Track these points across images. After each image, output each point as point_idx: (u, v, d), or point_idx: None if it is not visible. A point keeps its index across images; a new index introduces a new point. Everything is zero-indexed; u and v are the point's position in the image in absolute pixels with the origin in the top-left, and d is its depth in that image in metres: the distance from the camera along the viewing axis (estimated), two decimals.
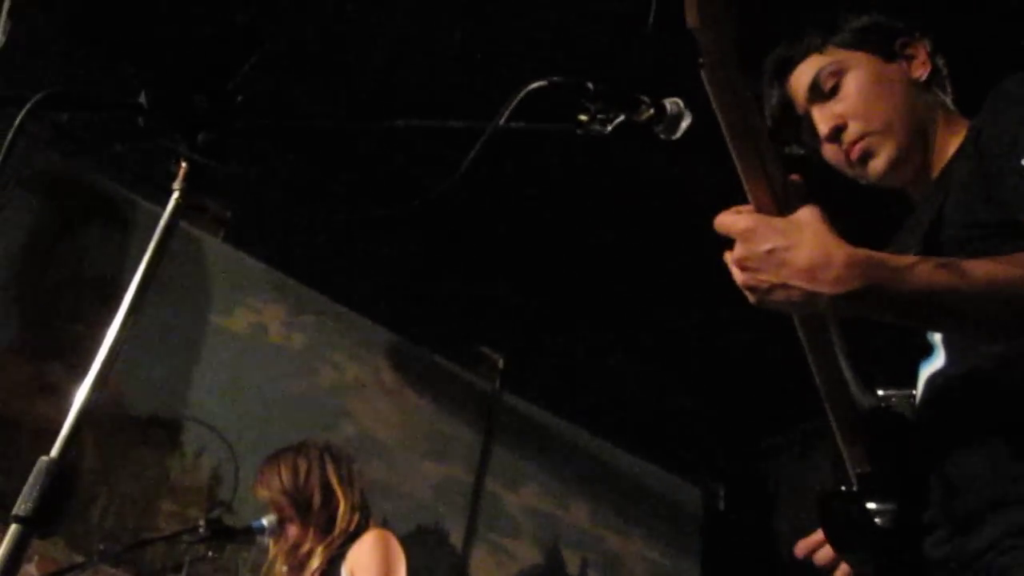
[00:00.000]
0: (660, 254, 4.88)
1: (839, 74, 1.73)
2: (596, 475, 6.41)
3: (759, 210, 1.31)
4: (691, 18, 1.13)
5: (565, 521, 6.13)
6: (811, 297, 1.24)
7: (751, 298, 1.32)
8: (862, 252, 1.25)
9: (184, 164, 1.25)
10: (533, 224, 4.87)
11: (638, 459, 6.64)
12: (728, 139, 1.24)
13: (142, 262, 1.10)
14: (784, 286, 1.25)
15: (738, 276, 1.31)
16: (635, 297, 5.37)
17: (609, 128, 1.49)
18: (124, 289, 1.31)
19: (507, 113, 1.37)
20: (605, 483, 6.45)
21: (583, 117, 1.47)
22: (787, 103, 1.79)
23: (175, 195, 1.21)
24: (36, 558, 3.99)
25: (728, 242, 1.30)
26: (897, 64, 1.76)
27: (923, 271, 1.23)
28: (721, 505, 6.89)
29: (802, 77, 1.77)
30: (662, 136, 1.53)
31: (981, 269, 1.22)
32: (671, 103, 1.51)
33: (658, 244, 4.78)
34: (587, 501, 6.28)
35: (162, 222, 1.14)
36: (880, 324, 1.36)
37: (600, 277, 5.20)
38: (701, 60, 1.17)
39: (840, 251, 1.24)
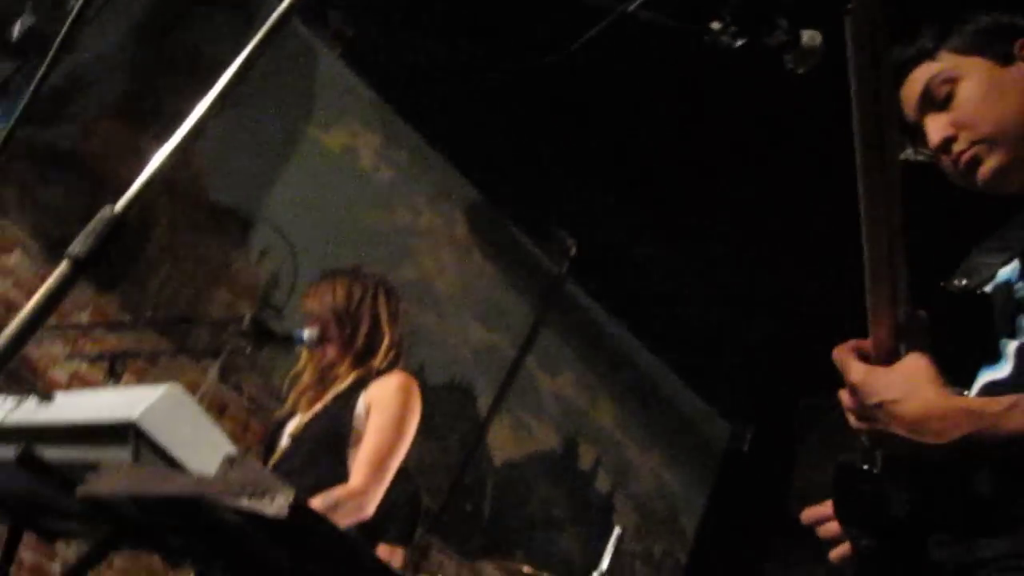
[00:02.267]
0: (760, 194, 4.78)
1: (952, 82, 1.64)
2: (633, 383, 6.45)
3: (875, 343, 1.38)
4: None
5: (591, 417, 6.21)
6: (916, 447, 1.32)
7: (864, 441, 1.41)
8: (962, 403, 1.31)
9: None
10: (641, 124, 4.78)
11: (679, 380, 6.66)
12: (855, 114, 1.19)
13: (246, 46, 1.10)
14: (891, 435, 1.34)
15: (851, 420, 1.41)
16: (722, 229, 5.29)
17: (738, 43, 1.45)
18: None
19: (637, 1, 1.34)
20: (640, 393, 6.49)
21: (715, 25, 1.43)
22: (899, 111, 1.72)
23: None
24: (91, 307, 4.14)
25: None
26: (1016, 67, 1.66)
27: (1019, 413, 1.27)
28: (745, 447, 6.91)
29: (914, 85, 1.68)
30: (789, 66, 1.48)
31: None
32: (808, 34, 1.46)
33: (760, 181, 4.68)
34: (617, 405, 6.34)
35: (273, 15, 1.14)
36: (943, 323, 1.38)
37: (694, 197, 5.12)
38: (849, 5, 1.13)
39: (941, 405, 1.30)
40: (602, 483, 6.26)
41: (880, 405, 1.34)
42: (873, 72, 1.17)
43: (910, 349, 1.36)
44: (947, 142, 1.64)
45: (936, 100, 1.66)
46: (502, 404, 5.65)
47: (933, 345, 1.37)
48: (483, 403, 5.61)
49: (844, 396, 1.41)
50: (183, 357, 4.27)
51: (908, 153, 1.76)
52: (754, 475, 6.59)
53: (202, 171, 4.53)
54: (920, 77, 1.67)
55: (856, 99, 1.19)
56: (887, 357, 1.38)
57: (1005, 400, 1.30)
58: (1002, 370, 1.45)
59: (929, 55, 1.67)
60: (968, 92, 1.64)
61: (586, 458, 6.18)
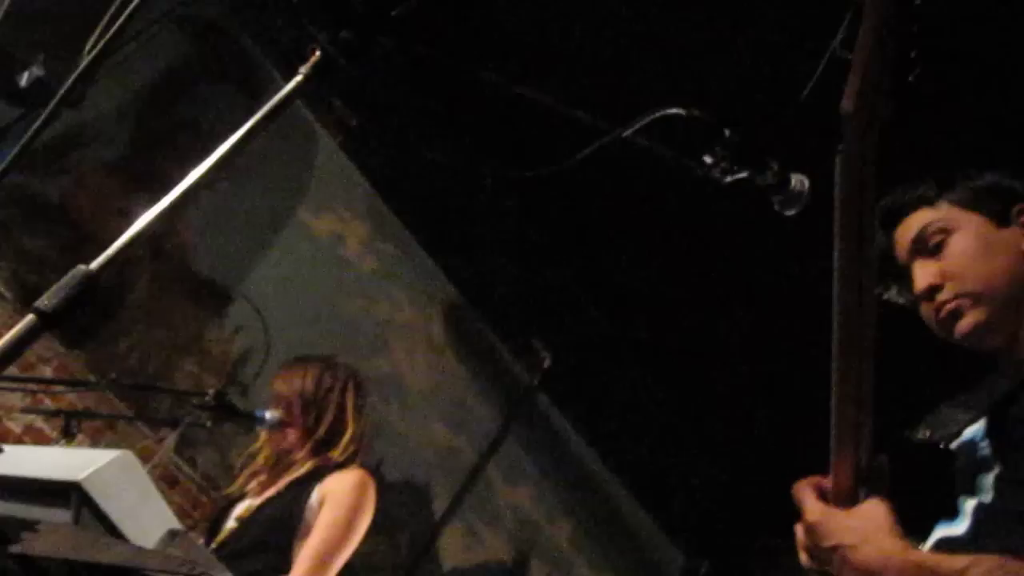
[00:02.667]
0: (736, 329, 4.82)
1: (946, 232, 1.68)
2: (591, 503, 6.38)
3: (835, 483, 1.39)
4: (847, 101, 1.11)
5: (546, 532, 6.12)
6: None
7: None
8: (917, 558, 1.31)
9: (317, 52, 1.26)
10: (626, 245, 4.84)
11: (637, 504, 6.60)
12: (836, 251, 1.21)
13: (246, 123, 1.12)
14: None
15: (803, 558, 1.42)
16: (696, 363, 5.31)
17: (728, 180, 1.47)
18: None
19: (635, 127, 1.36)
20: (597, 514, 6.41)
21: (708, 159, 1.46)
22: (889, 252, 1.75)
23: (298, 78, 1.23)
24: (55, 361, 4.10)
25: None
26: (1010, 231, 1.69)
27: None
28: None
29: (909, 229, 1.72)
30: (776, 207, 1.51)
31: None
32: (798, 178, 1.49)
33: (736, 317, 4.73)
34: (573, 523, 6.26)
35: (277, 96, 1.16)
36: (904, 473, 1.38)
37: (671, 328, 5.16)
38: (841, 147, 1.15)
39: (897, 556, 1.30)
40: None
41: (835, 548, 1.34)
42: (857, 216, 1.19)
43: (870, 494, 1.36)
44: (932, 290, 1.66)
45: (928, 247, 1.69)
46: (457, 509, 5.58)
47: (892, 492, 1.36)
48: (438, 506, 5.54)
49: (799, 532, 1.41)
50: (141, 424, 4.22)
51: (891, 294, 1.78)
52: None
53: (189, 241, 4.54)
54: (916, 222, 1.71)
55: (839, 239, 1.21)
56: (846, 498, 1.38)
57: (961, 560, 1.29)
58: (959, 527, 1.44)
59: (929, 202, 1.71)
60: (960, 245, 1.67)
61: (536, 575, 6.08)
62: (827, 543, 1.35)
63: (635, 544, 6.66)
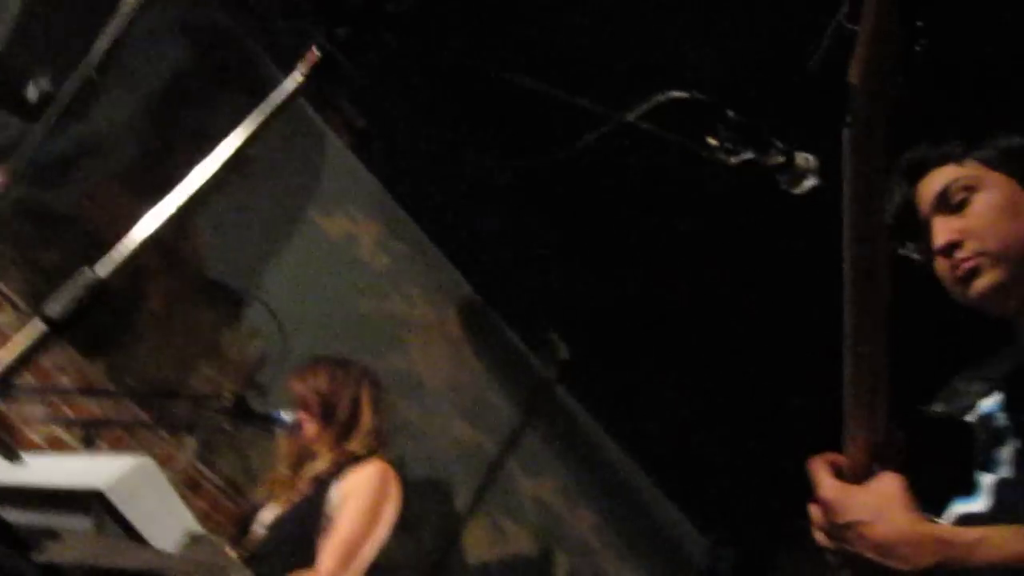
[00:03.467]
0: (755, 309, 4.80)
1: (971, 190, 1.66)
2: (615, 493, 6.38)
3: (850, 459, 1.38)
4: (854, 73, 1.10)
5: (569, 524, 6.12)
6: (883, 570, 1.31)
7: (830, 559, 1.40)
8: (933, 531, 1.31)
9: (316, 52, 1.26)
10: (638, 232, 4.82)
11: (661, 493, 6.59)
12: (846, 229, 1.20)
13: (245, 125, 1.12)
14: (859, 557, 1.33)
15: (819, 537, 1.40)
16: (716, 344, 5.29)
17: (733, 161, 1.47)
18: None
19: (640, 111, 1.36)
20: (621, 504, 6.41)
21: (712, 141, 1.46)
22: (911, 206, 1.73)
23: (296, 77, 1.23)
24: (74, 371, 4.12)
25: None
26: None
27: (991, 546, 1.26)
28: (727, 568, 6.81)
29: (933, 183, 1.70)
30: (783, 187, 1.50)
31: None
32: (803, 157, 1.48)
33: (754, 297, 4.71)
34: (597, 514, 6.26)
35: (276, 97, 1.16)
36: (920, 448, 1.37)
37: (689, 311, 5.14)
38: (848, 119, 1.14)
39: (912, 530, 1.30)
40: None
41: (850, 525, 1.33)
42: (867, 189, 1.18)
43: (884, 469, 1.35)
44: (951, 246, 1.64)
45: (951, 203, 1.67)
46: (480, 504, 5.59)
47: (907, 467, 1.35)
48: (461, 502, 5.54)
49: (814, 511, 1.40)
50: (161, 430, 4.24)
51: (908, 249, 1.76)
52: None
53: (202, 245, 4.55)
54: (942, 177, 1.69)
55: (849, 215, 1.20)
56: (861, 474, 1.37)
57: (976, 531, 1.29)
58: (978, 503, 1.44)
59: (956, 159, 1.69)
60: (984, 204, 1.65)
61: (561, 566, 6.08)
62: (842, 519, 1.34)
63: (660, 533, 6.66)
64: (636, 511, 6.51)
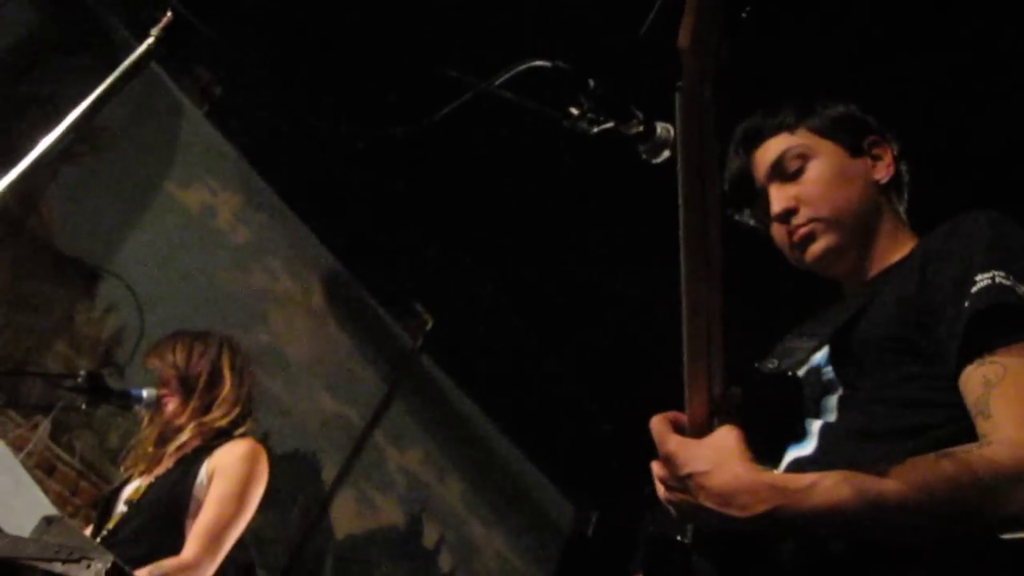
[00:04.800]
0: (613, 275, 4.89)
1: (804, 158, 1.76)
2: (481, 461, 6.44)
3: (691, 417, 1.43)
4: (683, 38, 1.14)
5: (437, 494, 6.15)
6: (723, 519, 1.35)
7: (672, 512, 1.44)
8: (767, 478, 1.35)
9: (168, 13, 1.22)
10: (501, 200, 4.85)
11: (527, 460, 6.68)
12: (680, 189, 1.24)
13: (97, 89, 1.08)
14: (699, 507, 1.37)
15: (660, 491, 1.45)
16: (576, 311, 5.37)
17: (595, 130, 1.49)
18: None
19: (501, 79, 1.36)
20: (487, 471, 6.48)
21: (573, 110, 1.47)
22: (747, 174, 1.81)
23: (149, 41, 1.19)
24: None
25: None
26: (862, 160, 1.79)
27: (822, 491, 1.31)
28: (590, 531, 6.95)
29: (768, 152, 1.79)
30: (643, 156, 1.53)
31: (874, 487, 1.30)
32: (663, 127, 1.51)
33: (612, 262, 4.79)
34: (464, 483, 6.31)
35: (127, 61, 1.12)
36: (755, 402, 1.43)
37: (549, 277, 5.20)
38: (680, 84, 1.18)
39: (749, 478, 1.34)
40: (445, 562, 6.18)
41: (689, 476, 1.37)
42: (698, 150, 1.22)
43: (723, 423, 1.40)
44: (787, 213, 1.74)
45: (786, 172, 1.76)
46: (347, 477, 5.56)
47: (745, 422, 1.41)
48: (328, 475, 5.51)
49: (655, 467, 1.44)
50: (12, 411, 4.08)
51: (744, 216, 1.85)
52: (598, 558, 6.63)
53: (51, 217, 4.38)
54: (776, 146, 1.78)
55: (682, 176, 1.24)
56: (701, 430, 1.42)
57: (808, 477, 1.35)
58: (807, 447, 1.51)
59: (789, 128, 1.79)
60: (817, 172, 1.75)
61: (430, 536, 6.11)
62: (682, 471, 1.38)
63: (526, 499, 6.75)
64: (503, 479, 6.59)
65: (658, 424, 1.45)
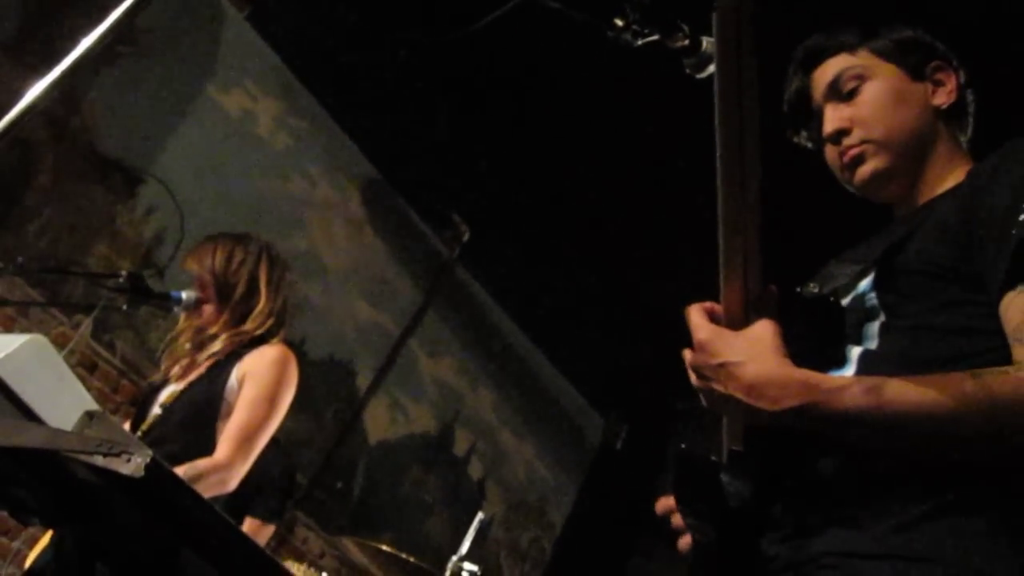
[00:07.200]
0: (655, 193, 4.84)
1: (861, 79, 1.71)
2: (513, 372, 6.49)
3: (726, 311, 1.41)
4: None
5: (469, 403, 6.22)
6: (752, 411, 1.35)
7: (702, 399, 1.43)
8: (800, 374, 1.34)
9: None
10: (544, 112, 4.79)
11: (558, 372, 6.73)
12: (717, 114, 1.22)
13: None
14: (729, 397, 1.36)
15: (692, 378, 1.43)
16: (614, 228, 5.34)
17: (639, 42, 1.46)
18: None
19: None
20: (520, 382, 6.53)
21: (619, 21, 1.45)
22: (806, 93, 1.77)
23: None
24: None
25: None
26: (923, 85, 1.73)
27: (855, 394, 1.31)
28: (619, 444, 7.02)
29: (827, 72, 1.75)
30: (688, 70, 1.51)
31: (901, 396, 1.29)
32: (709, 41, 1.48)
33: (655, 179, 4.75)
34: (496, 392, 6.37)
35: None
36: (796, 325, 1.41)
37: (589, 193, 5.16)
38: (716, 3, 1.16)
39: (781, 372, 1.34)
40: (475, 470, 6.28)
41: (722, 365, 1.37)
42: (736, 69, 1.20)
43: (759, 318, 1.39)
44: (840, 133, 1.71)
45: (842, 92, 1.73)
46: (381, 384, 5.63)
47: (781, 320, 1.40)
48: (362, 381, 5.58)
49: (687, 354, 1.43)
50: (55, 310, 4.15)
51: (800, 137, 1.82)
52: (625, 472, 6.70)
53: (93, 120, 4.39)
54: (835, 66, 1.75)
55: (719, 95, 1.22)
56: (736, 322, 1.42)
57: (842, 379, 1.35)
58: (846, 372, 1.50)
59: (850, 48, 1.75)
60: (873, 93, 1.72)
61: (461, 444, 6.20)
62: (715, 360, 1.38)
63: (557, 410, 6.82)
64: (534, 390, 6.65)
65: (695, 312, 1.44)
